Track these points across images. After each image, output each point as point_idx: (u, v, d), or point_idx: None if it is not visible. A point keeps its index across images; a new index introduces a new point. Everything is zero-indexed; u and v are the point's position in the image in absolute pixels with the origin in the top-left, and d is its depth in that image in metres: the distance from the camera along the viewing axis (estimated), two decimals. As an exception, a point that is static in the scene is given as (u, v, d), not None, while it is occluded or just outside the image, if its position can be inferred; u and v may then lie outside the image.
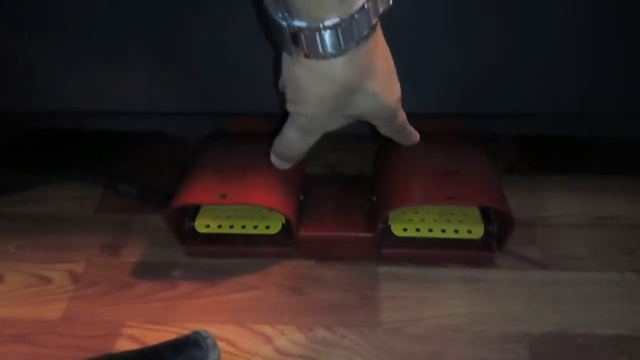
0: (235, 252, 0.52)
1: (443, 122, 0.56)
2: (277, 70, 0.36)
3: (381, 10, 0.31)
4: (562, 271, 0.50)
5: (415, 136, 0.43)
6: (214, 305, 0.48)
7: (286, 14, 0.30)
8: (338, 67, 0.31)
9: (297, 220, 0.51)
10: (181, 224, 0.53)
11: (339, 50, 0.31)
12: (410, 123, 0.56)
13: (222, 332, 0.46)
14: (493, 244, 0.50)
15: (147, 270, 0.52)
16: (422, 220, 0.52)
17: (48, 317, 0.48)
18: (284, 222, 0.52)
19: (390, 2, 0.32)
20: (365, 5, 0.30)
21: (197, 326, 0.46)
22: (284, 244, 0.52)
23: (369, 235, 0.50)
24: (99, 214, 0.59)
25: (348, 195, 0.55)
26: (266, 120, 0.59)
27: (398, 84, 0.38)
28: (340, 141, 0.65)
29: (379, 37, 0.34)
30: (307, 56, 0.31)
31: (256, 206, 0.53)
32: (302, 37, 0.30)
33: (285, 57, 0.33)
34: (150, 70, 0.53)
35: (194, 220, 0.53)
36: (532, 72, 0.51)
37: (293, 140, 0.38)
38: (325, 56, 0.31)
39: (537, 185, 0.59)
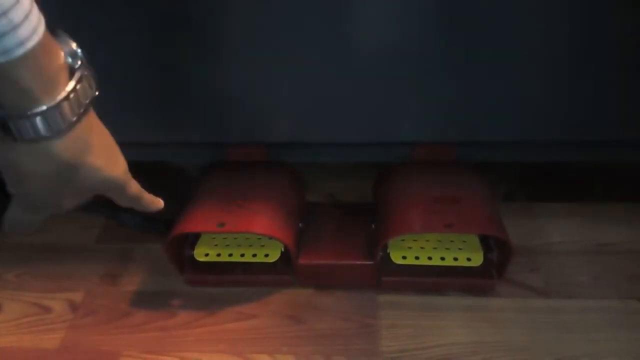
0: (234, 280, 0.52)
1: (438, 150, 0.56)
2: None
3: (86, 101, 0.34)
4: (565, 299, 0.49)
5: (158, 203, 0.44)
6: (212, 335, 0.48)
7: None
8: (54, 148, 0.33)
9: (296, 248, 0.51)
10: (181, 253, 0.53)
11: (51, 133, 0.33)
12: (406, 152, 0.57)
13: (219, 362, 0.45)
14: (493, 272, 0.50)
15: (145, 299, 0.52)
16: (422, 248, 0.51)
17: (46, 347, 0.48)
18: (283, 250, 0.52)
19: (96, 93, 0.35)
20: (71, 96, 0.33)
21: (195, 356, 0.46)
22: (283, 272, 0.52)
23: (369, 263, 0.50)
24: (99, 244, 0.59)
25: (347, 223, 0.55)
26: (266, 149, 0.59)
27: (122, 158, 0.40)
28: (340, 170, 0.65)
29: (92, 118, 0.37)
30: (22, 140, 0.33)
31: (255, 234, 0.53)
32: (12, 125, 0.32)
33: None
34: (154, 102, 0.55)
35: (193, 249, 0.53)
36: (524, 101, 0.52)
37: (21, 219, 0.39)
38: (39, 139, 0.33)
39: (536, 212, 0.59)
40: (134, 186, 0.42)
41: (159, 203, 0.45)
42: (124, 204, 0.42)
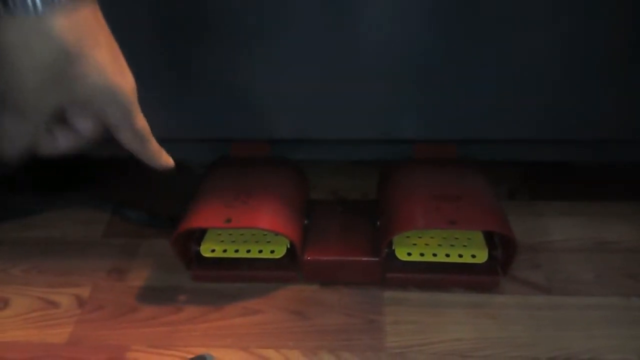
0: (240, 276, 0.52)
1: (440, 148, 0.57)
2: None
3: None
4: (567, 296, 0.50)
5: (166, 159, 0.38)
6: (218, 330, 0.48)
7: None
8: (55, 25, 0.30)
9: (302, 244, 0.51)
10: (187, 248, 0.53)
11: (51, 7, 0.30)
12: (408, 150, 0.58)
13: (226, 357, 0.46)
14: (498, 269, 0.50)
15: (152, 295, 0.52)
16: (426, 244, 0.52)
17: (53, 341, 0.48)
18: (288, 246, 0.52)
19: None
20: None
21: (202, 350, 0.46)
22: (289, 268, 0.52)
23: (374, 259, 0.50)
24: (105, 239, 0.59)
25: (352, 219, 0.55)
26: (270, 145, 0.60)
27: (131, 76, 0.35)
28: (342, 168, 0.66)
29: (99, 14, 0.33)
30: (18, 14, 0.30)
31: (261, 230, 0.53)
32: None
33: None
34: (157, 98, 0.54)
35: (199, 245, 0.53)
36: (526, 100, 0.52)
37: (9, 130, 0.34)
38: (37, 12, 0.30)
39: (539, 211, 0.59)
40: (142, 121, 0.37)
41: (168, 159, 0.39)
42: (128, 141, 0.36)
